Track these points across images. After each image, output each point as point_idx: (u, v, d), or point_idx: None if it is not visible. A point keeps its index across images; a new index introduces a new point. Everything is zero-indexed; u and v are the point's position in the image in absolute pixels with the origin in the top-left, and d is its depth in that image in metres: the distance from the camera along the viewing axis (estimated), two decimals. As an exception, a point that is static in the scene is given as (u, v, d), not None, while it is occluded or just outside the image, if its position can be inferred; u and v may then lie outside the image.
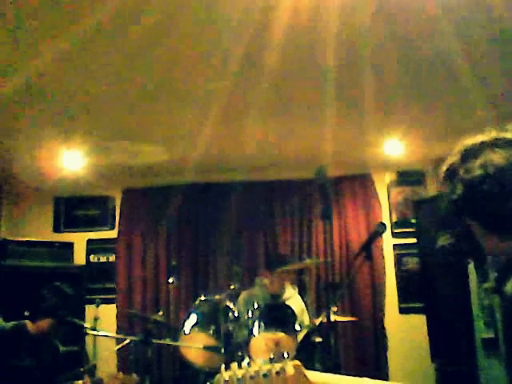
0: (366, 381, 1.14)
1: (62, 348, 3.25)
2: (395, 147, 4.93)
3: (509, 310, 1.23)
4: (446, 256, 4.22)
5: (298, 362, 1.01)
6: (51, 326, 2.99)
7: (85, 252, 5.69)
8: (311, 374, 1.04)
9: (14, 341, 2.95)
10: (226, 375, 0.99)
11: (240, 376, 0.98)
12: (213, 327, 3.59)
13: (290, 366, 0.99)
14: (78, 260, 5.52)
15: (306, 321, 4.13)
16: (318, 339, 3.69)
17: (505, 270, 1.23)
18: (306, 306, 4.28)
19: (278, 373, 0.98)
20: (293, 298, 4.24)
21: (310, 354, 3.73)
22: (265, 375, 0.98)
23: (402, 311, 5.43)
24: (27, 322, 3.00)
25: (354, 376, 1.17)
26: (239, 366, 1.01)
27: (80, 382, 2.78)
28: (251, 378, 0.98)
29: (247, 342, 3.58)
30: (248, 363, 1.01)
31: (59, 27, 2.83)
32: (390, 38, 3.04)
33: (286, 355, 0.95)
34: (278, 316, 3.73)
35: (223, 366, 1.02)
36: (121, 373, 3.11)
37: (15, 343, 2.95)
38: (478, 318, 4.16)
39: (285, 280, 4.23)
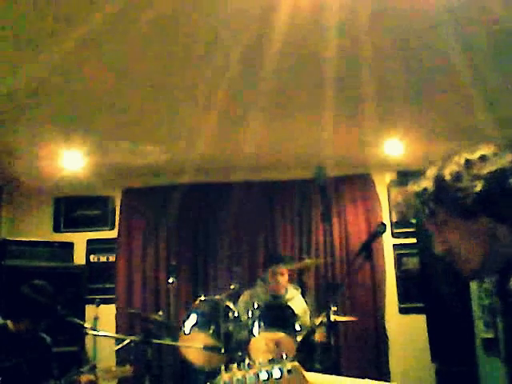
0: (366, 382, 1.14)
1: (49, 340, 3.24)
2: (395, 147, 4.93)
3: (510, 310, 1.23)
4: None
5: (296, 363, 1.02)
6: (30, 323, 3.00)
7: (85, 252, 5.69)
8: (310, 375, 1.04)
9: None
10: (225, 377, 1.00)
11: (240, 377, 0.99)
12: (213, 327, 3.59)
13: (289, 367, 1.00)
14: (78, 260, 5.52)
15: (308, 322, 4.13)
16: (321, 339, 3.68)
17: (507, 269, 1.23)
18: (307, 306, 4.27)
19: (277, 375, 0.98)
20: (295, 298, 4.24)
21: (310, 354, 3.72)
22: (264, 377, 0.98)
23: (402, 311, 5.43)
24: (8, 321, 3.01)
25: (354, 377, 1.17)
26: (239, 368, 1.01)
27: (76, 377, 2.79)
28: (250, 379, 0.98)
29: (247, 342, 3.58)
30: (248, 364, 1.00)
31: (59, 27, 2.83)
32: (389, 38, 3.04)
33: (284, 356, 0.95)
34: (278, 316, 3.73)
35: (223, 368, 1.02)
36: (114, 366, 3.11)
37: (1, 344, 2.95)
38: (477, 318, 4.16)
39: (286, 280, 4.22)
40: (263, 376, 0.99)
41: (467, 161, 1.28)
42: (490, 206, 1.23)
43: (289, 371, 0.99)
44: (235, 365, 1.01)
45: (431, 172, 1.33)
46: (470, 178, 1.25)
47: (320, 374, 1.11)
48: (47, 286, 3.10)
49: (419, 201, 1.34)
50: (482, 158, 1.28)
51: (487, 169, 1.24)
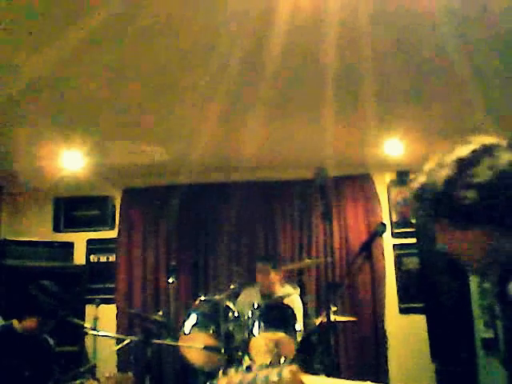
0: None
1: (52, 342, 3.24)
2: (395, 147, 4.93)
3: (510, 311, 1.23)
4: (445, 256, 4.22)
5: (295, 367, 1.02)
6: (38, 323, 2.99)
7: (85, 252, 5.70)
8: (307, 379, 1.04)
9: (3, 341, 2.96)
10: (223, 381, 1.00)
11: (237, 382, 0.99)
12: (213, 327, 3.59)
13: (287, 371, 1.00)
14: (78, 260, 5.53)
15: (301, 321, 4.10)
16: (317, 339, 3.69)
17: (506, 271, 1.23)
18: (304, 306, 4.25)
19: (274, 379, 0.98)
20: (291, 296, 4.22)
21: (310, 354, 3.72)
22: (262, 381, 0.98)
23: (402, 311, 5.42)
24: (14, 321, 3.00)
25: (353, 377, 1.17)
26: (236, 371, 1.01)
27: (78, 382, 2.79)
28: (248, 383, 0.98)
29: (247, 342, 3.58)
30: (246, 368, 1.01)
31: (59, 28, 2.83)
32: (389, 39, 3.04)
33: (283, 360, 0.95)
34: (278, 316, 3.73)
35: (221, 372, 1.03)
36: (116, 372, 3.11)
37: (5, 344, 2.95)
38: (478, 318, 4.16)
39: (269, 278, 4.20)
40: (261, 380, 0.98)
41: (460, 164, 1.25)
42: (482, 217, 1.22)
43: (286, 374, 0.99)
44: (233, 369, 1.01)
45: (426, 176, 1.31)
46: (462, 185, 1.23)
47: (318, 377, 1.11)
48: (53, 287, 3.10)
49: (418, 205, 1.33)
50: (475, 160, 1.25)
51: (479, 177, 1.21)
